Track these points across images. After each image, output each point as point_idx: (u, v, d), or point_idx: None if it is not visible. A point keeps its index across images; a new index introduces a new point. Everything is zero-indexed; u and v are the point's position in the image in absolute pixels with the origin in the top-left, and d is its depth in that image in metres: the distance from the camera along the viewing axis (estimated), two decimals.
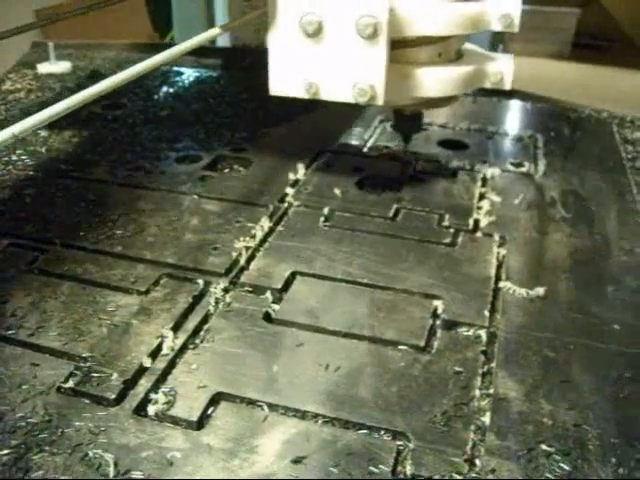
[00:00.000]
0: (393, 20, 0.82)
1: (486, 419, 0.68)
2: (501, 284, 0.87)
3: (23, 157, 1.19)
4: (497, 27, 0.93)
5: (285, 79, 0.88)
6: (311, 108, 1.42)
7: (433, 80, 0.93)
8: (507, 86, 0.97)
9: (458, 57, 0.99)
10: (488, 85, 0.98)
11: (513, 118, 1.47)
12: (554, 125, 1.41)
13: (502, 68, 0.96)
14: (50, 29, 2.24)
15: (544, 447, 0.65)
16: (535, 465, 0.63)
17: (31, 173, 1.13)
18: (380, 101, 0.85)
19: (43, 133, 1.29)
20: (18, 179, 1.11)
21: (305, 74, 0.87)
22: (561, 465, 0.63)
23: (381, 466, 0.62)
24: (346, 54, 0.84)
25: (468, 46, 1.02)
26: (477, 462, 0.63)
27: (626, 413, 0.69)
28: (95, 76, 1.64)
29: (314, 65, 0.86)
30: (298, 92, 0.89)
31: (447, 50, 0.96)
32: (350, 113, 1.41)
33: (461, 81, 0.95)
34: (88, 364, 0.73)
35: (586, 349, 0.78)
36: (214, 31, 0.85)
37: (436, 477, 0.61)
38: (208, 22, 3.13)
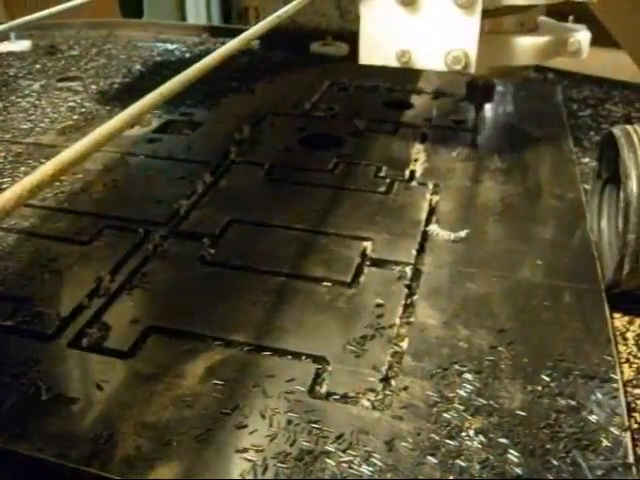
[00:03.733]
0: None
1: (404, 344, 0.72)
2: (430, 227, 0.91)
3: None
4: None
5: (376, 48, 0.91)
6: (262, 76, 1.46)
7: (518, 49, 0.97)
8: (584, 55, 1.01)
9: (535, 28, 1.02)
10: (565, 55, 1.01)
11: (460, 80, 1.49)
12: (500, 87, 1.44)
13: (580, 38, 1.00)
14: (15, 11, 2.25)
15: (457, 367, 0.69)
16: (447, 382, 0.67)
17: None
18: (473, 69, 0.88)
19: None
20: None
21: (398, 43, 0.89)
22: (473, 382, 0.67)
23: (298, 386, 0.66)
24: (441, 23, 0.86)
25: (542, 18, 1.05)
26: (392, 382, 0.67)
27: (541, 337, 0.73)
28: (53, 51, 1.67)
29: (408, 34, 0.88)
30: (389, 60, 0.91)
31: (528, 20, 0.99)
32: (300, 79, 1.45)
33: (542, 50, 0.99)
34: (28, 305, 0.76)
35: (507, 281, 0.82)
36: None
37: (351, 394, 0.65)
38: (179, 7, 3.16)
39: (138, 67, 1.56)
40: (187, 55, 1.66)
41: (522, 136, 1.20)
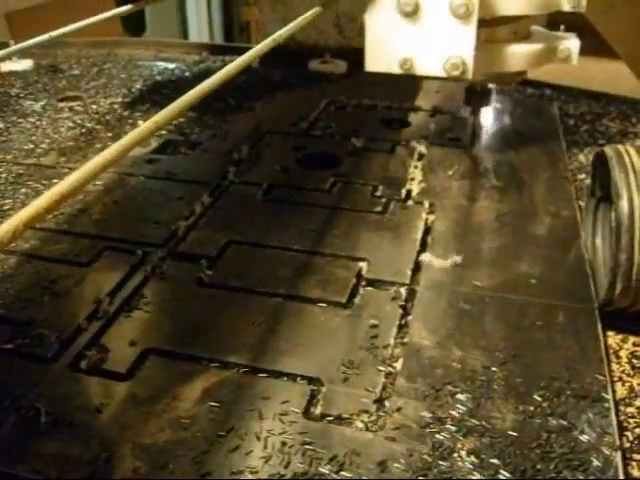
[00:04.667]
0: (483, 1, 0.89)
1: (398, 365, 0.73)
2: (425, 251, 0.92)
3: None
4: (566, 7, 0.99)
5: (380, 56, 0.95)
6: (260, 94, 1.47)
7: (511, 56, 1.02)
8: (574, 62, 1.06)
9: (528, 36, 1.07)
10: (556, 61, 1.06)
11: (457, 98, 1.51)
12: (497, 103, 1.45)
13: (570, 45, 1.05)
14: (18, 30, 2.28)
15: (450, 388, 0.70)
16: (440, 403, 0.68)
17: None
18: (470, 75, 0.92)
19: (1, 125, 1.34)
20: None
21: (400, 51, 0.93)
22: (465, 403, 0.68)
23: (293, 408, 0.67)
24: (440, 32, 0.90)
25: (534, 27, 1.10)
26: (386, 403, 0.68)
27: (534, 356, 0.74)
28: (54, 70, 1.68)
29: (409, 43, 0.92)
30: (392, 68, 0.95)
31: (521, 29, 1.05)
32: (298, 97, 1.46)
33: (535, 57, 1.04)
34: (29, 328, 0.77)
35: (501, 301, 0.83)
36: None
37: (345, 415, 0.66)
38: (181, 23, 3.19)
39: (138, 86, 1.57)
40: (187, 74, 1.67)
41: (518, 153, 1.21)
